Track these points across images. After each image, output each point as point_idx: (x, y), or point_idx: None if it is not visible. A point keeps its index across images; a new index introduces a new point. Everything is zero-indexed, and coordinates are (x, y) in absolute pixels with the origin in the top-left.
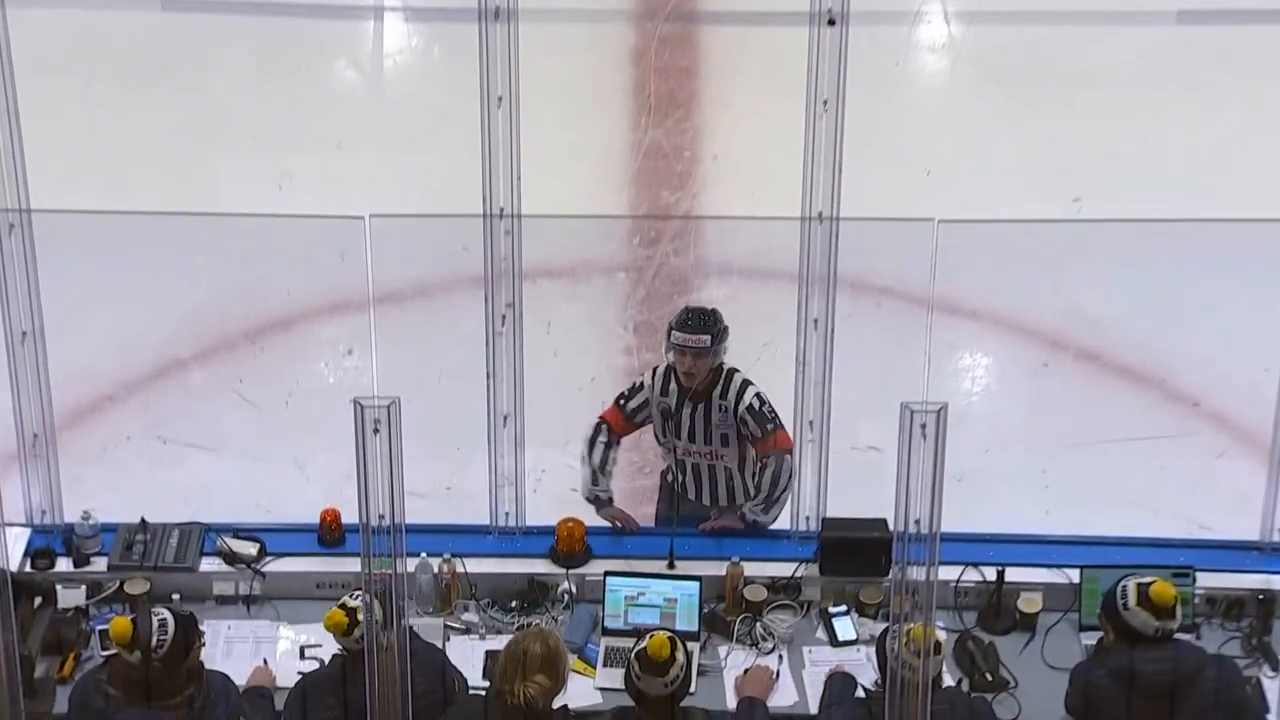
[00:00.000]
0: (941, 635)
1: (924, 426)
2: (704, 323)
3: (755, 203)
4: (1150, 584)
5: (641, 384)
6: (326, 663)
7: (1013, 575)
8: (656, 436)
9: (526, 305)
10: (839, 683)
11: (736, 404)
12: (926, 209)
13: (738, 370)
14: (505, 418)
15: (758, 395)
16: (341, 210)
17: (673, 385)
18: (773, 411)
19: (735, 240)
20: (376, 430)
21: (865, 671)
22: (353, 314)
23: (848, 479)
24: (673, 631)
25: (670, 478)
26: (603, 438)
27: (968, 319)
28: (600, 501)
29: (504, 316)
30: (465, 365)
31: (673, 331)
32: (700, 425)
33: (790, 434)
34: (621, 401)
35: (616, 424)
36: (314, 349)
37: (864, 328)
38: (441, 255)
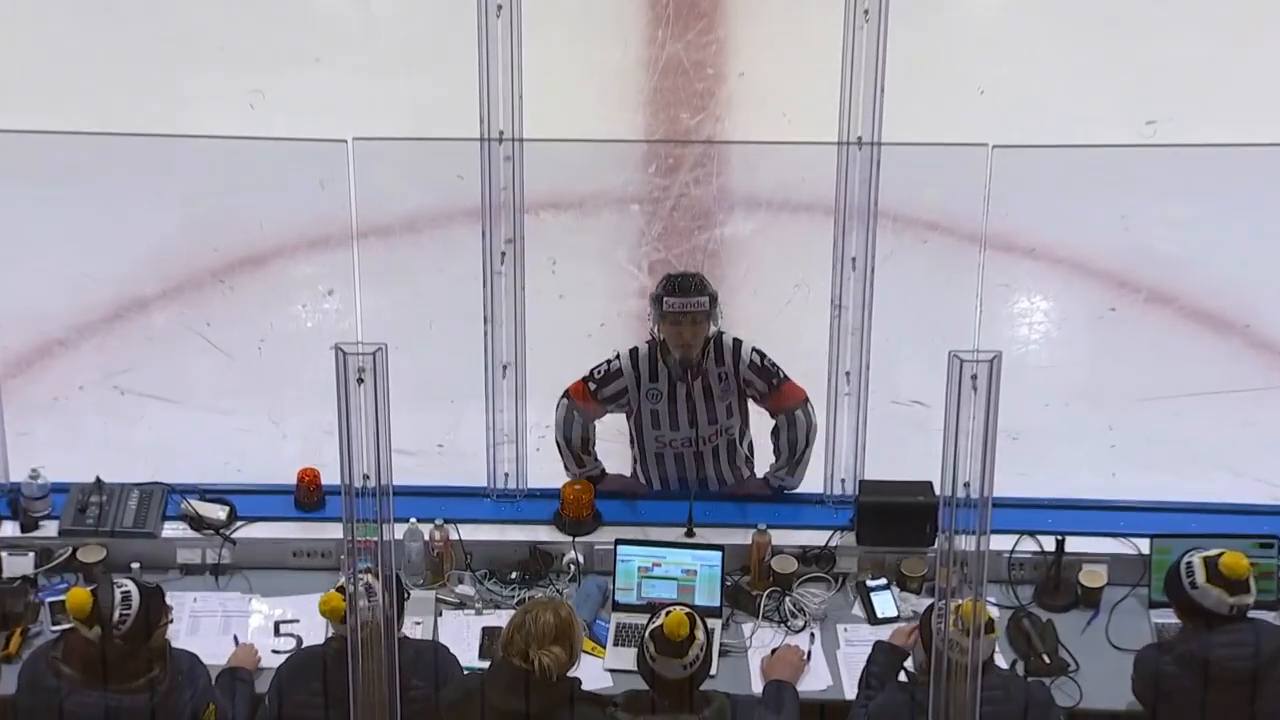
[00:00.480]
0: (994, 612)
1: (974, 378)
2: (697, 284)
3: (786, 127)
4: (1219, 556)
5: (618, 368)
6: (308, 644)
7: (1074, 545)
8: (640, 432)
9: (529, 241)
10: (884, 657)
11: (736, 365)
12: (979, 133)
13: (723, 331)
14: (504, 367)
15: (755, 350)
16: (321, 133)
17: (661, 367)
18: (774, 364)
19: (763, 169)
20: (360, 380)
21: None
22: (334, 250)
23: (888, 437)
24: (691, 607)
25: (642, 473)
26: (577, 417)
27: (1025, 257)
28: (595, 479)
29: (503, 254)
30: (460, 308)
31: (664, 299)
32: (702, 403)
33: (800, 384)
34: (592, 386)
35: (584, 404)
36: (290, 289)
37: (908, 267)
38: (433, 185)
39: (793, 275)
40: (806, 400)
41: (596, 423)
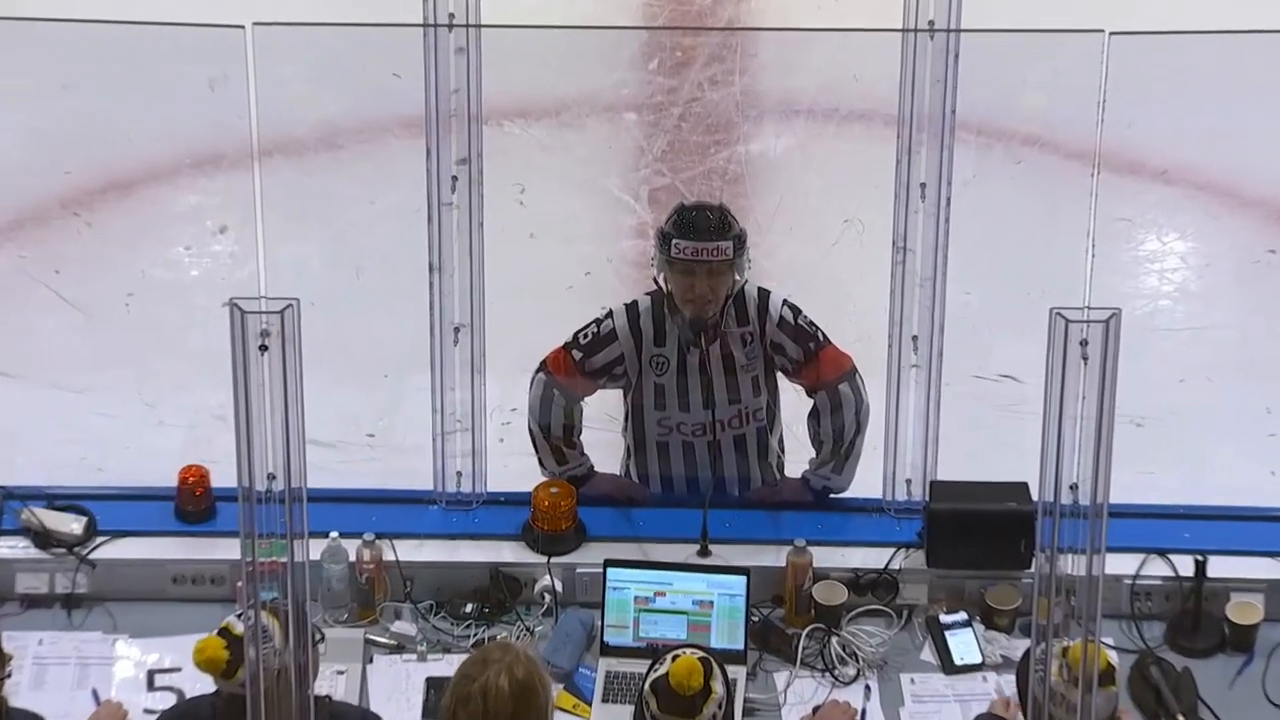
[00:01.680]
0: (1112, 657)
1: (1085, 344)
2: (717, 221)
3: (833, 8)
4: None
5: (610, 331)
6: (188, 697)
7: (1218, 568)
8: (638, 415)
9: (489, 162)
10: None
11: (762, 325)
12: (1090, 17)
13: (746, 281)
14: (457, 330)
15: (788, 304)
16: (210, 17)
17: (668, 328)
18: (812, 323)
19: (802, 65)
20: (264, 348)
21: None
22: (227, 174)
23: (969, 423)
24: (706, 651)
25: (637, 470)
26: (558, 397)
27: (1154, 181)
28: (580, 479)
29: (454, 179)
30: (397, 252)
31: (673, 241)
32: (720, 376)
33: (846, 350)
34: (577, 354)
35: (566, 379)
36: (169, 226)
37: (995, 196)
38: (361, 86)
39: (841, 208)
40: (854, 371)
41: (583, 404)
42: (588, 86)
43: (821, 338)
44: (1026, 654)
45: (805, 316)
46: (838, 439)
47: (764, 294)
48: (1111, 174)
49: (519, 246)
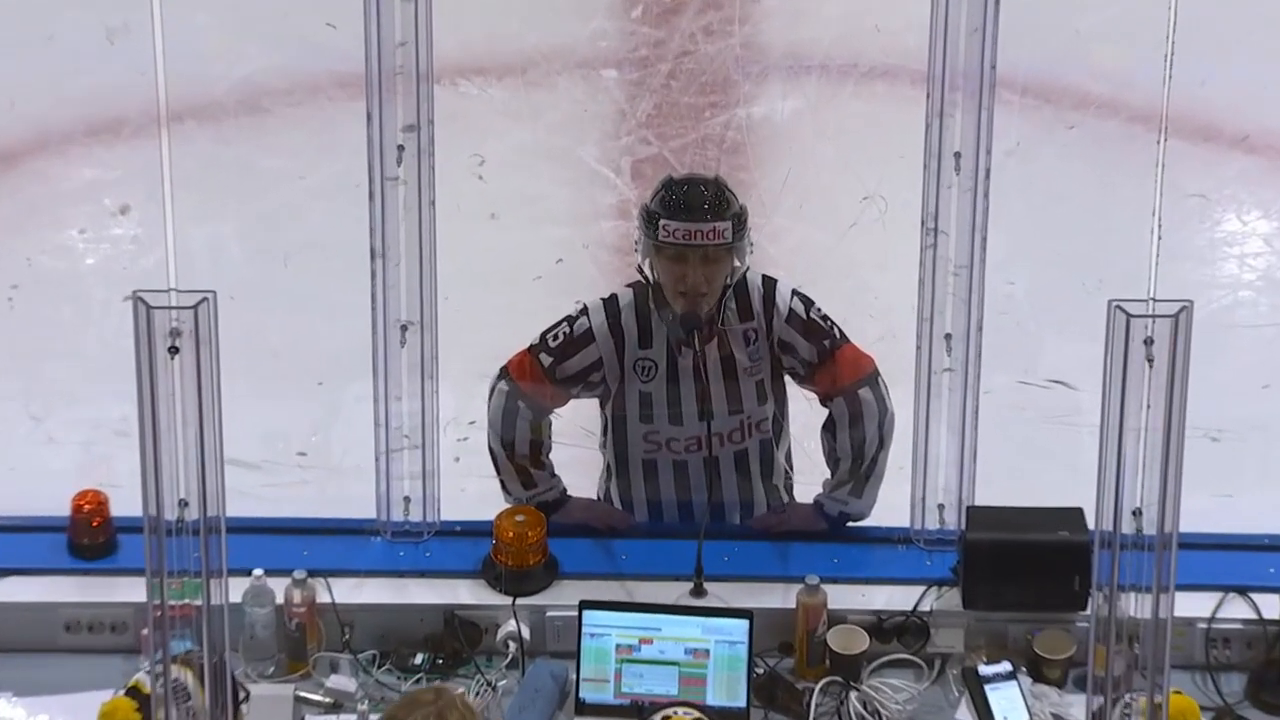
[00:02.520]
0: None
1: (1150, 343)
2: (714, 197)
3: None
4: None
5: (585, 330)
6: None
7: None
8: (619, 429)
9: (442, 129)
10: None
11: (769, 320)
12: None
13: (748, 269)
14: (404, 329)
15: (798, 295)
16: None
17: (655, 325)
18: (827, 318)
19: (814, 13)
20: (174, 350)
21: None
22: (128, 142)
23: (1012, 438)
24: (702, 709)
25: (619, 493)
26: (523, 408)
27: (1233, 149)
28: (550, 505)
29: (400, 148)
30: (332, 235)
31: (660, 221)
32: (718, 382)
33: (867, 351)
34: (545, 359)
35: (533, 386)
36: (59, 205)
37: (1044, 167)
38: (289, 38)
39: (860, 182)
40: (876, 374)
41: (553, 416)
42: (558, 39)
43: (838, 334)
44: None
45: (819, 310)
46: (857, 455)
47: (770, 283)
48: (1182, 141)
49: (478, 229)
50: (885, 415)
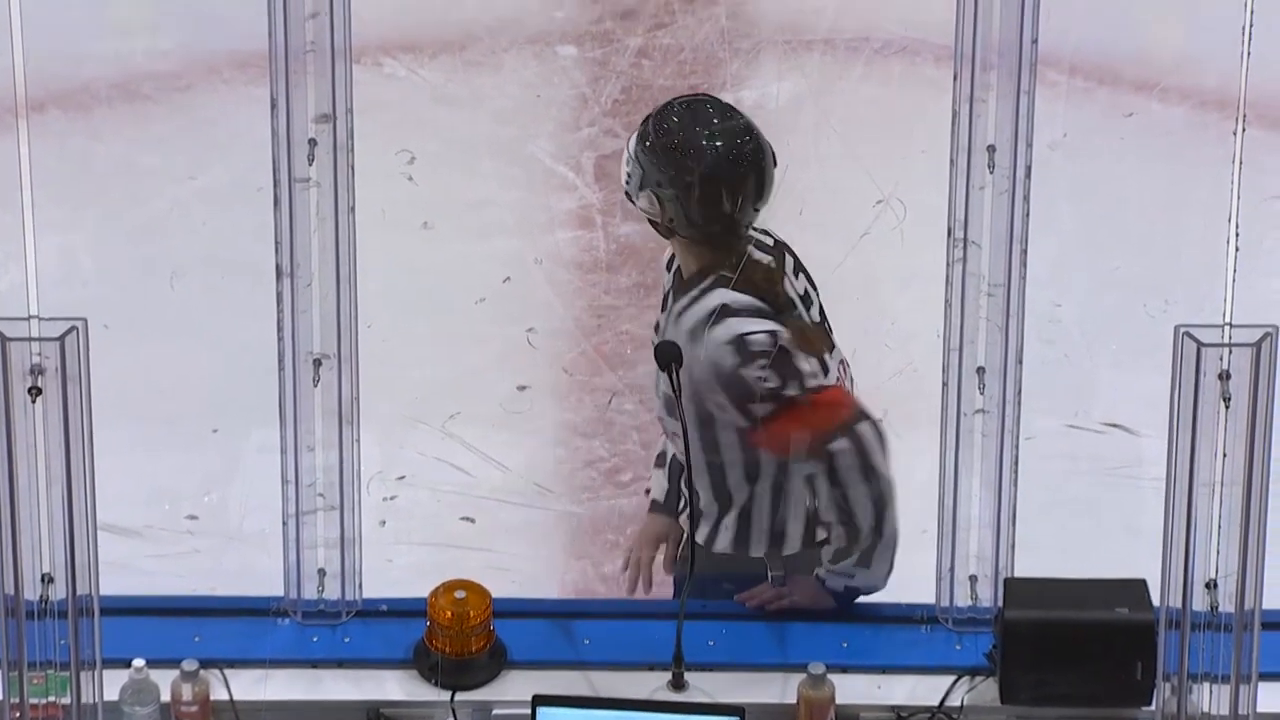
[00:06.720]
0: None
1: (1226, 376)
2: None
3: None
4: None
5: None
6: None
7: None
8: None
9: (363, 119)
10: None
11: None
12: None
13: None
14: (318, 364)
15: (805, 275)
16: None
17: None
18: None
19: None
20: (36, 391)
21: None
22: None
23: (1059, 494)
24: None
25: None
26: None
27: None
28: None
29: (312, 143)
30: (229, 248)
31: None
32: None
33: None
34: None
35: None
36: None
37: (1096, 164)
38: (176, 9)
39: (874, 181)
40: (857, 418)
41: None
42: (504, 8)
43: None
44: None
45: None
46: (847, 519)
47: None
48: (1262, 131)
49: (407, 241)
50: (871, 470)
